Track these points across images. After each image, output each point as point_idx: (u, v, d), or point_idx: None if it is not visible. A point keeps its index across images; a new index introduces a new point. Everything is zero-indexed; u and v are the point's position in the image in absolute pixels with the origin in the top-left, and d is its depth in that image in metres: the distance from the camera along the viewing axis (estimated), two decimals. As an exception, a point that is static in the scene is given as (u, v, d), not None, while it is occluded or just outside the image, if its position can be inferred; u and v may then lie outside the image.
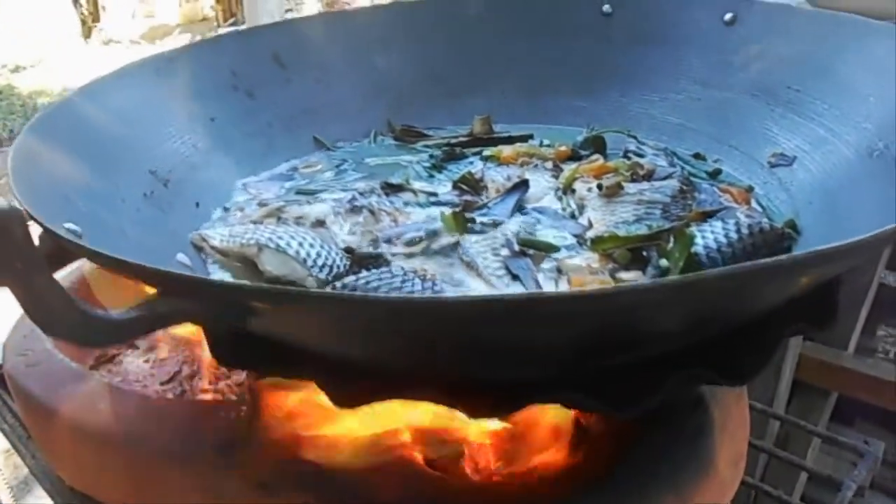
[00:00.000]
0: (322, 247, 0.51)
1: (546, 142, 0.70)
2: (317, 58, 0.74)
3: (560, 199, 0.60)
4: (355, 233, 0.55)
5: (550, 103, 0.74)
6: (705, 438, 0.47)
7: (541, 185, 0.61)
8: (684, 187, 0.58)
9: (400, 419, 0.46)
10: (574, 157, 0.67)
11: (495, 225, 0.55)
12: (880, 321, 1.22)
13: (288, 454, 0.48)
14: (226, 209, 0.61)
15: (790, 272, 0.31)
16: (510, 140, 0.71)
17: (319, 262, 0.49)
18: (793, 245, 0.50)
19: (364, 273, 0.48)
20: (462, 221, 0.54)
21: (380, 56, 0.76)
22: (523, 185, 0.60)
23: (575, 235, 0.54)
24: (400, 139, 0.74)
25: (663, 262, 0.49)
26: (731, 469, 0.50)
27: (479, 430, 0.46)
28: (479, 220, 0.56)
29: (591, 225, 0.55)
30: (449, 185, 0.63)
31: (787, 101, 0.63)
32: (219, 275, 0.52)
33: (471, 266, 0.50)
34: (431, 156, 0.69)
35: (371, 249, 0.52)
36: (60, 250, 0.37)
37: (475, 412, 0.37)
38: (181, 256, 0.52)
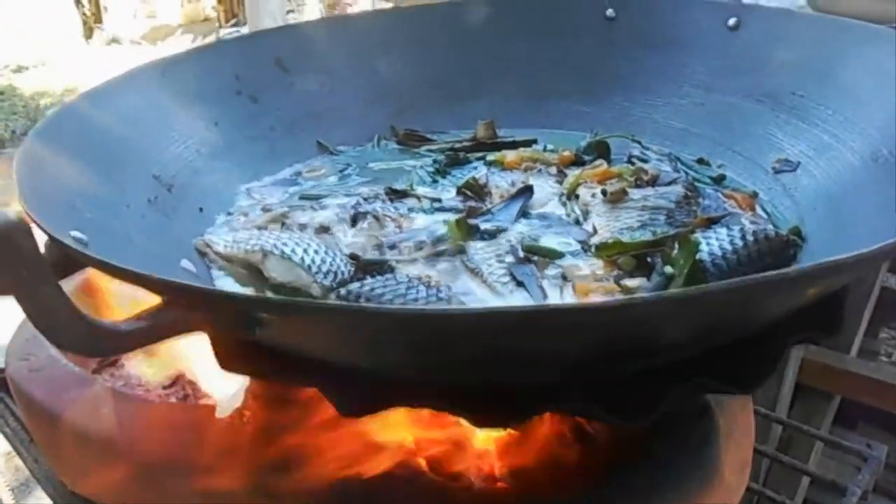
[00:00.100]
0: (327, 253, 0.50)
1: (550, 146, 0.70)
2: (320, 62, 0.74)
3: (564, 204, 0.60)
4: (360, 239, 0.55)
5: (553, 108, 0.74)
6: (711, 446, 0.48)
7: (545, 190, 0.61)
8: (689, 193, 0.58)
9: (405, 426, 0.46)
10: (578, 161, 0.66)
11: (499, 231, 0.55)
12: (883, 324, 1.22)
13: (290, 460, 0.48)
14: (229, 214, 0.61)
15: (797, 285, 0.31)
16: (514, 145, 0.70)
17: (324, 269, 0.49)
18: (798, 252, 0.49)
19: (369, 280, 0.48)
20: (466, 228, 0.54)
21: (383, 60, 0.76)
22: (527, 190, 0.60)
23: (579, 242, 0.54)
24: (403, 143, 0.73)
25: (668, 269, 0.48)
26: (736, 476, 0.50)
27: (484, 437, 0.46)
28: (483, 226, 0.55)
29: (595, 231, 0.55)
30: (453, 191, 0.63)
31: (791, 107, 0.63)
32: (223, 281, 0.52)
33: (475, 273, 0.50)
34: (435, 161, 0.69)
35: (376, 256, 0.52)
36: (68, 258, 0.37)
37: (481, 422, 0.36)
38: (185, 263, 0.52)
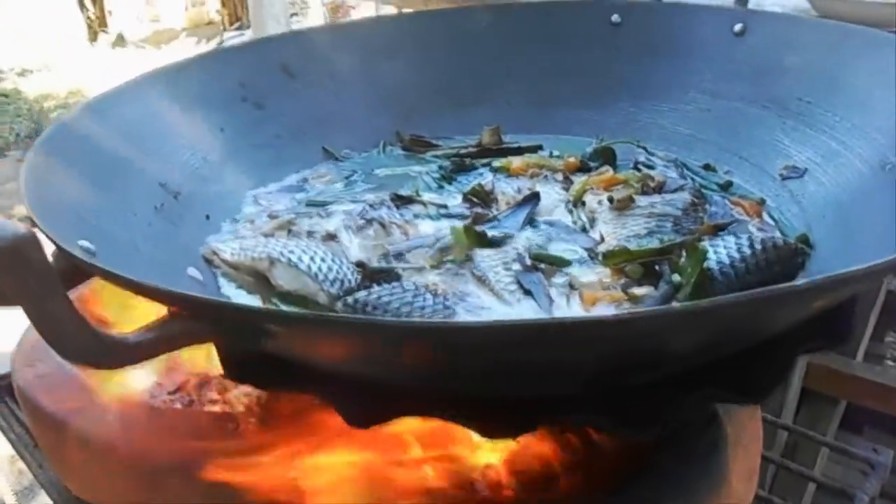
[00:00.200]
0: (333, 261, 0.50)
1: (555, 152, 0.70)
2: (325, 68, 0.74)
3: (571, 211, 0.59)
4: (366, 246, 0.55)
5: (558, 114, 0.74)
6: (719, 454, 0.47)
7: (551, 197, 0.61)
8: (695, 200, 0.58)
9: (411, 435, 0.46)
10: (583, 168, 0.66)
11: (506, 238, 0.55)
12: (889, 328, 1.22)
13: (297, 469, 0.48)
14: (236, 221, 0.61)
15: (807, 297, 0.31)
16: (519, 151, 0.70)
17: (331, 277, 0.49)
18: (806, 260, 0.49)
19: (375, 288, 0.48)
20: (473, 235, 0.54)
21: (388, 66, 0.76)
22: (534, 197, 0.60)
23: (586, 249, 0.54)
24: (408, 149, 0.73)
25: (676, 278, 0.48)
26: (744, 484, 0.50)
27: (492, 447, 0.46)
28: (489, 233, 0.55)
29: (602, 239, 0.54)
30: (459, 197, 0.62)
31: (798, 113, 0.63)
32: (229, 289, 0.52)
33: (482, 281, 0.50)
34: (441, 167, 0.69)
35: (382, 263, 0.52)
36: (75, 268, 0.37)
37: (490, 432, 0.36)
38: (192, 271, 0.52)
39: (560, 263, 0.52)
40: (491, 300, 0.49)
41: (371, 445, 0.47)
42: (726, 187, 0.63)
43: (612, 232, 0.55)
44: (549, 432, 0.46)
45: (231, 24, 4.49)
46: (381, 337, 0.29)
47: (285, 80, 0.72)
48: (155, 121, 0.61)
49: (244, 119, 0.68)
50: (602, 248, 0.53)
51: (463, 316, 0.47)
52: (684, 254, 0.49)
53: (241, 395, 0.54)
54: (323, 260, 0.50)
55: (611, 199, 0.58)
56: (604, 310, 0.47)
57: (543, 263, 0.52)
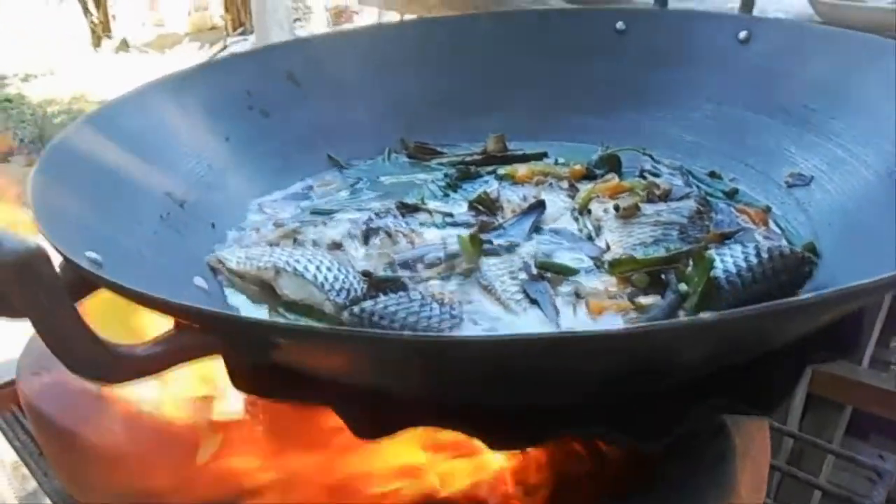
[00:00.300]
0: (339, 270, 0.50)
1: (561, 160, 0.70)
2: (331, 76, 0.74)
3: (577, 220, 0.59)
4: (372, 255, 0.55)
5: (563, 121, 0.74)
6: (727, 465, 0.47)
7: (557, 205, 0.61)
8: (701, 208, 0.58)
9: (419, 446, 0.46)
10: (589, 175, 0.66)
11: (512, 247, 0.55)
12: (894, 334, 1.21)
13: (304, 479, 0.48)
14: (241, 229, 0.61)
15: (816, 311, 0.31)
16: (524, 158, 0.70)
17: (337, 287, 0.49)
18: (814, 269, 0.49)
19: (382, 297, 0.48)
20: (479, 244, 0.54)
21: (393, 74, 0.76)
22: (540, 205, 0.60)
23: (592, 258, 0.54)
24: (414, 157, 0.73)
25: (682, 287, 0.48)
26: (752, 495, 0.49)
27: (499, 457, 0.46)
28: (495, 241, 0.55)
29: (608, 247, 0.54)
30: (464, 205, 0.62)
31: (804, 120, 0.63)
32: (235, 298, 0.52)
33: (489, 290, 0.50)
34: (446, 174, 0.69)
35: (388, 273, 0.52)
36: (82, 278, 0.37)
37: (497, 444, 0.36)
38: (199, 280, 0.52)
39: (566, 272, 0.52)
40: (497, 309, 0.49)
41: (376, 453, 0.47)
42: (732, 195, 0.63)
43: (618, 240, 0.55)
44: (557, 441, 0.46)
45: (234, 28, 4.50)
46: (392, 350, 0.29)
47: (291, 88, 0.72)
48: (160, 129, 0.61)
49: (250, 127, 0.68)
50: (608, 257, 0.53)
51: (469, 325, 0.47)
52: (691, 263, 0.49)
53: (249, 406, 0.54)
54: (329, 269, 0.50)
55: (616, 208, 0.58)
56: (610, 319, 0.47)
57: (549, 272, 0.52)
